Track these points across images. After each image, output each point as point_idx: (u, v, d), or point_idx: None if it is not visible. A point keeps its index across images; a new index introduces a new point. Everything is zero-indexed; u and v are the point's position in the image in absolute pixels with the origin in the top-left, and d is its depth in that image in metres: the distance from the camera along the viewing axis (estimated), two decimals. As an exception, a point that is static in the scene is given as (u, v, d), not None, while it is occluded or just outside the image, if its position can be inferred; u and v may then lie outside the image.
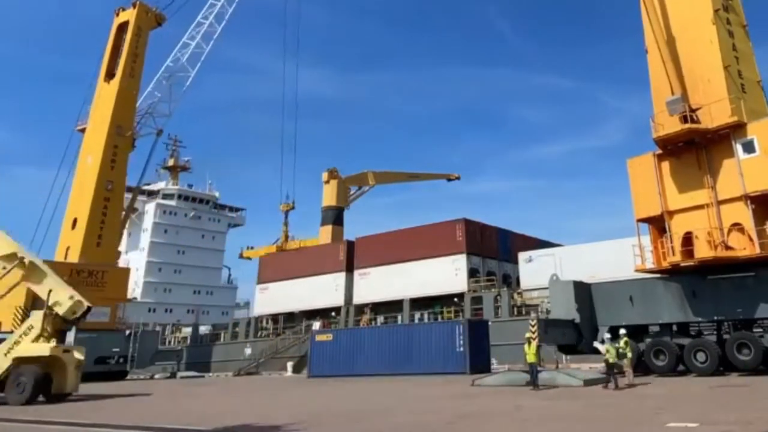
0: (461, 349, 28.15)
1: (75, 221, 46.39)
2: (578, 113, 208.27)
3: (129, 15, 51.99)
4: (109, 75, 50.61)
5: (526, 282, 38.81)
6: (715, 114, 21.70)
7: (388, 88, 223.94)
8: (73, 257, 44.74)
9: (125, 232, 60.82)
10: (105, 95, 49.98)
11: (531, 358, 18.69)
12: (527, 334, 19.85)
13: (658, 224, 23.85)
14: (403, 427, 11.62)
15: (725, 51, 22.83)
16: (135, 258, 73.67)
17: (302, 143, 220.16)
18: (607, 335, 19.86)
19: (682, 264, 21.82)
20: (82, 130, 51.49)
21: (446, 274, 40.41)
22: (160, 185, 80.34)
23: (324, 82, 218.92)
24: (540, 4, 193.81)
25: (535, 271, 37.96)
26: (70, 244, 45.75)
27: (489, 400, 16.16)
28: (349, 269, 46.44)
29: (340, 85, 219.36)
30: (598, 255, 34.64)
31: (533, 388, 18.33)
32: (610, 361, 17.85)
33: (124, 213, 51.68)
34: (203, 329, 56.74)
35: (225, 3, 55.38)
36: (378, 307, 43.98)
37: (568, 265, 35.01)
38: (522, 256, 39.85)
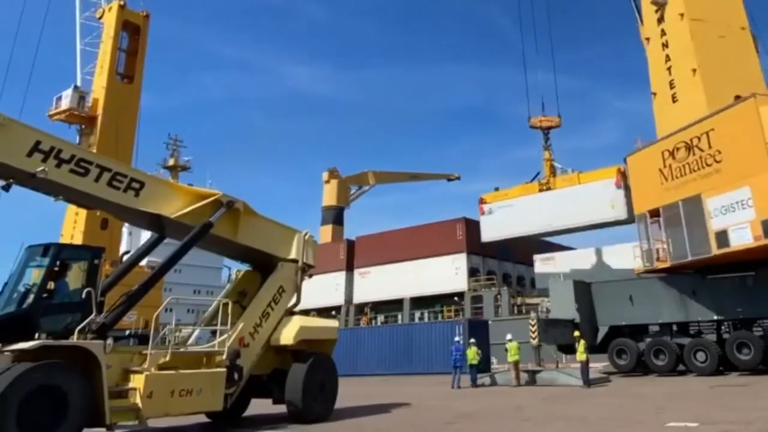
0: (461, 348, 28.14)
1: (106, 222, 45.03)
2: (579, 112, 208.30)
3: (138, 19, 50.97)
4: (127, 77, 48.94)
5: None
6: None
7: (387, 87, 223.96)
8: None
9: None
10: (126, 97, 47.96)
11: (581, 356, 19.20)
12: (576, 333, 20.46)
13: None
14: (402, 427, 11.63)
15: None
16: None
17: (301, 142, 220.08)
18: (472, 340, 22.75)
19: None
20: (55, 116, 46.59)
21: (446, 273, 40.42)
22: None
23: (322, 80, 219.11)
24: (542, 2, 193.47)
25: (495, 223, 38.11)
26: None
27: (489, 400, 16.17)
28: (350, 268, 46.44)
29: (339, 83, 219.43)
30: (597, 258, 34.81)
31: (585, 386, 18.65)
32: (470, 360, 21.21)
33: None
34: (203, 329, 56.56)
35: None
36: (378, 307, 43.99)
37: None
38: (537, 258, 39.82)
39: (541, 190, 38.72)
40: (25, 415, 7.93)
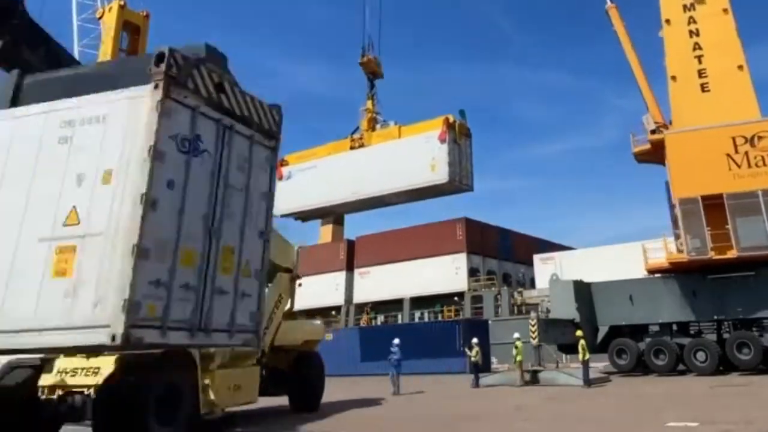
0: (461, 348, 28.15)
1: None
2: (580, 111, 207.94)
3: (138, 19, 50.91)
4: None
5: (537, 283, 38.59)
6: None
7: (387, 87, 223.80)
8: None
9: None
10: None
11: (585, 355, 19.32)
12: (578, 333, 20.38)
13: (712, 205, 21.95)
14: (402, 427, 11.63)
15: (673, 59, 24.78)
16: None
17: (301, 142, 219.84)
18: (475, 340, 22.25)
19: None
20: None
21: (446, 273, 40.41)
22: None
23: (322, 80, 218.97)
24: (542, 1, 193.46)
25: (294, 190, 31.13)
26: None
27: (489, 400, 16.17)
28: (350, 268, 46.41)
29: (339, 83, 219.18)
30: (596, 260, 34.71)
31: (585, 385, 18.75)
32: (472, 360, 21.38)
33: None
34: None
35: None
36: (378, 306, 43.99)
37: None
38: (537, 258, 39.73)
39: (353, 148, 31.06)
40: (158, 409, 8.85)
